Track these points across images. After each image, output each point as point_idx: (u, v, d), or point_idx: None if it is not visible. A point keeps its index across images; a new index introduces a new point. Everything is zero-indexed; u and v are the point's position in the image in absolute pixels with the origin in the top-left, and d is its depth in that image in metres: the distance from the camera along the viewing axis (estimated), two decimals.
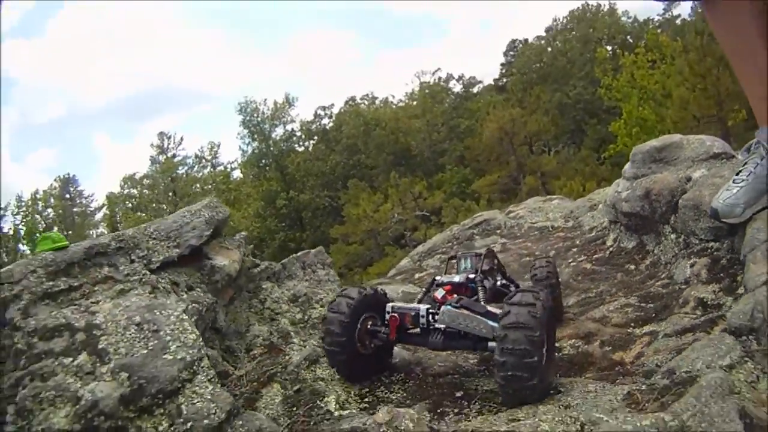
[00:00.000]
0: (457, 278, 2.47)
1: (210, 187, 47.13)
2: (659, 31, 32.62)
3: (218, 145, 50.38)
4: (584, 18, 48.94)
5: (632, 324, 2.71)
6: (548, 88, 44.16)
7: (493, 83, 53.68)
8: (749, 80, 2.36)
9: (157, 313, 2.09)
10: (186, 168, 47.62)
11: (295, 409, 2.00)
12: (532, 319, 1.78)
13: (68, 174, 47.54)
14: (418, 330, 2.20)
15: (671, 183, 3.53)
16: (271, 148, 47.22)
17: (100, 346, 1.88)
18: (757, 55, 2.22)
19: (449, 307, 2.08)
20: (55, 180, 46.76)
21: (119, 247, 2.59)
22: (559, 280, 3.08)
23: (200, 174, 48.83)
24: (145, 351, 1.88)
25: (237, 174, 50.75)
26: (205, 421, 1.72)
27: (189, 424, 1.70)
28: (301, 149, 48.90)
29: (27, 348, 1.85)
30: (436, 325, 2.12)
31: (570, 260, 4.37)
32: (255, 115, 47.05)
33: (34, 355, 1.83)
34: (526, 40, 52.30)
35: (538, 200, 7.26)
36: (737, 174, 2.53)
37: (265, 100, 47.50)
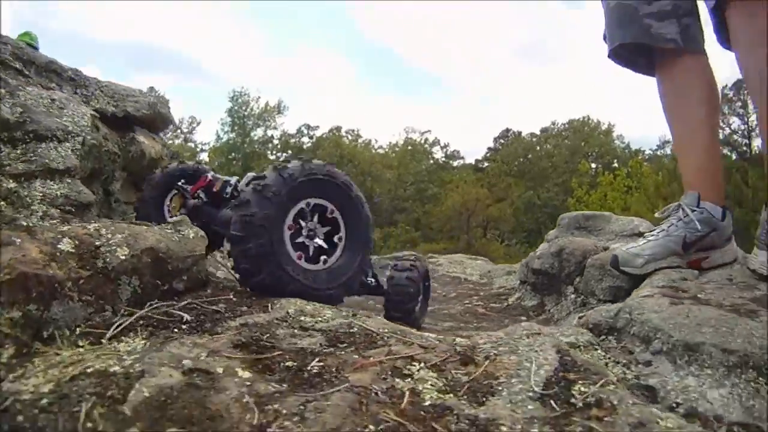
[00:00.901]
0: None
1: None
2: (645, 163, 34.06)
3: (198, 123, 49.98)
4: (581, 130, 50.90)
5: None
6: (523, 183, 45.41)
7: (473, 163, 54.94)
8: (688, 149, 2.43)
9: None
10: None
11: None
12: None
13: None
14: None
15: (586, 246, 3.70)
16: (245, 146, 47.09)
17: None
18: (702, 126, 2.35)
19: None
20: None
21: (72, 78, 2.71)
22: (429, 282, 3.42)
23: (170, 141, 48.17)
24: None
25: (204, 156, 50.32)
26: None
27: None
28: (272, 157, 48.88)
29: None
30: None
31: (466, 302, 4.64)
32: (244, 108, 47.02)
33: None
34: (519, 133, 53.96)
35: (463, 257, 7.61)
36: (650, 231, 2.53)
37: (258, 98, 47.68)
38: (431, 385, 1.31)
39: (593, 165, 44.41)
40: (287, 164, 2.04)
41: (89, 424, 0.97)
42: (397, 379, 1.31)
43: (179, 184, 2.76)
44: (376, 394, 1.22)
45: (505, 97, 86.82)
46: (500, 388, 1.30)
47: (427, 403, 1.21)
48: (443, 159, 54.96)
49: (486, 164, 52.89)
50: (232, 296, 1.88)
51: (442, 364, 1.43)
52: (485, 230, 40.20)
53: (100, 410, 1.00)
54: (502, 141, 54.35)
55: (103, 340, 1.43)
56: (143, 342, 1.44)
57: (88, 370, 1.16)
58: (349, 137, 52.71)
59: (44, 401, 1.03)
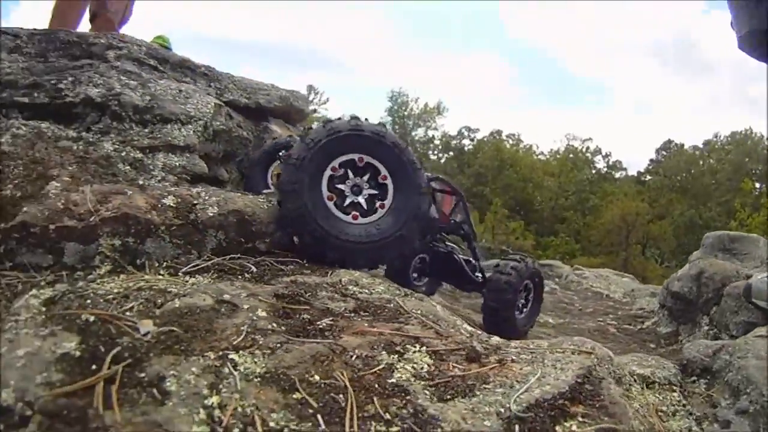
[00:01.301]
0: None
1: None
2: None
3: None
4: (743, 143, 45.95)
5: None
6: (685, 200, 41.93)
7: (636, 175, 51.81)
8: None
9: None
10: None
11: None
12: None
13: None
14: None
15: (727, 270, 3.39)
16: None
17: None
18: None
19: None
20: None
21: (205, 74, 3.26)
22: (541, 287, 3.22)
23: None
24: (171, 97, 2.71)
25: None
26: None
27: None
28: (433, 157, 49.62)
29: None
30: None
31: (600, 319, 4.52)
32: (403, 108, 48.21)
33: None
34: (681, 145, 49.90)
35: (610, 272, 7.41)
36: None
37: (417, 98, 48.58)
38: (411, 367, 1.38)
39: (757, 184, 39.88)
40: (310, 129, 2.20)
41: (127, 314, 1.36)
42: (384, 353, 1.43)
43: (280, 154, 3.10)
44: (351, 357, 1.38)
45: (660, 104, 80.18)
46: (479, 393, 1.29)
47: (390, 381, 1.30)
48: (605, 169, 52.37)
49: (648, 177, 49.63)
50: (305, 261, 2.18)
51: (446, 354, 1.48)
52: (644, 248, 37.69)
53: (140, 309, 1.39)
54: (664, 153, 50.59)
55: (180, 273, 1.84)
56: (209, 280, 1.83)
57: (153, 287, 1.58)
58: (510, 142, 52.07)
59: (110, 296, 1.45)
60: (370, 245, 2.13)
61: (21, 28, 2.98)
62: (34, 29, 3.00)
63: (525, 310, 3.03)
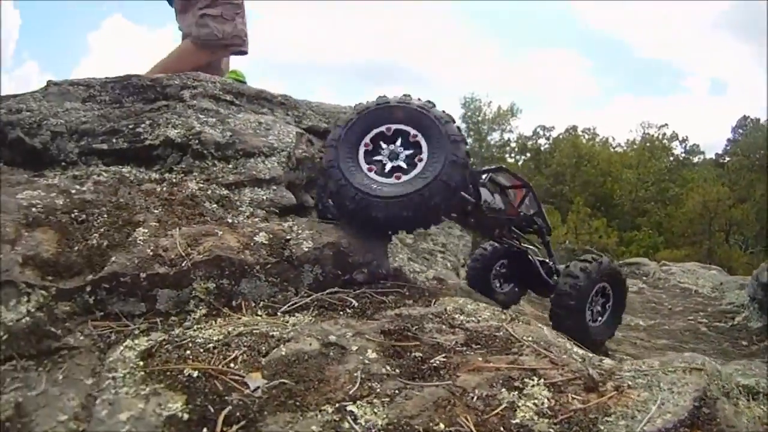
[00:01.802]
0: None
1: None
2: None
3: None
4: None
5: None
6: (766, 179, 39.18)
7: (714, 158, 49.27)
8: None
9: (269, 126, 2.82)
10: None
11: None
12: None
13: None
14: None
15: None
16: (483, 150, 48.05)
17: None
18: None
19: None
20: None
21: (282, 102, 3.22)
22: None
23: None
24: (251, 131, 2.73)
25: None
26: None
27: None
28: (511, 160, 49.07)
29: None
30: None
31: (690, 318, 4.59)
32: (477, 113, 48.06)
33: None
34: (757, 120, 46.75)
35: (697, 266, 7.57)
36: None
37: (490, 102, 48.33)
38: (533, 404, 1.32)
39: None
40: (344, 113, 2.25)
41: (232, 365, 1.26)
42: (503, 390, 1.37)
43: None
44: (472, 398, 1.30)
45: (734, 77, 75.69)
46: (602, 427, 1.26)
47: (514, 422, 1.25)
48: (683, 155, 50.12)
49: (727, 159, 46.91)
50: (405, 290, 2.10)
51: (563, 384, 1.43)
52: (727, 235, 35.56)
53: (244, 358, 1.28)
54: (740, 131, 47.62)
55: (278, 313, 1.77)
56: (310, 318, 1.73)
57: (254, 331, 1.49)
58: (586, 136, 50.76)
59: (210, 345, 1.35)
60: (413, 196, 2.13)
61: (93, 78, 3.03)
62: (107, 78, 3.05)
63: (600, 318, 2.78)
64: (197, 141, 2.54)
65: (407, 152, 2.26)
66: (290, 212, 2.53)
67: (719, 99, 77.66)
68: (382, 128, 2.27)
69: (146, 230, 1.90)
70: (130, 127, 2.61)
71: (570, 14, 78.63)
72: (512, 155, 50.20)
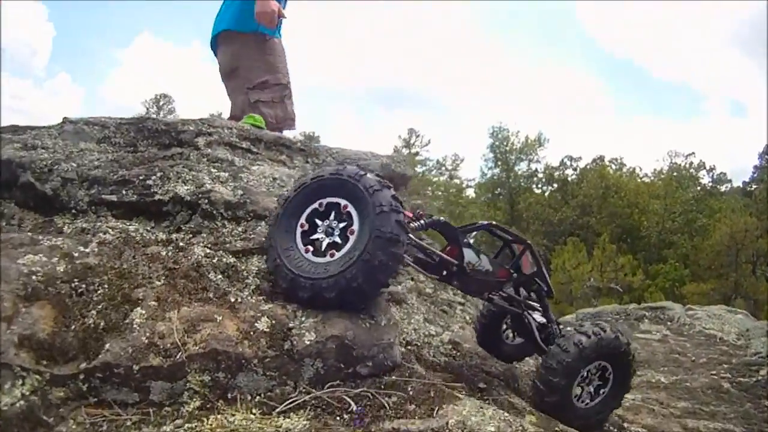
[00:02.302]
0: None
1: (440, 193, 49.74)
2: None
3: (462, 160, 52.56)
4: None
5: None
6: None
7: (741, 186, 48.68)
8: None
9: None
10: (424, 168, 50.42)
11: None
12: None
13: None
14: None
15: None
16: (510, 180, 48.04)
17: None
18: None
19: None
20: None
21: (301, 149, 3.20)
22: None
23: (435, 179, 51.41)
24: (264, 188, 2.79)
25: (470, 192, 52.67)
26: None
27: None
28: (537, 191, 48.96)
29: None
30: None
31: (713, 372, 4.58)
32: (505, 143, 48.25)
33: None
34: None
35: (723, 309, 7.57)
36: None
37: (518, 132, 48.52)
38: None
39: None
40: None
41: None
42: None
43: None
44: None
45: (753, 100, 74.97)
46: None
47: None
48: (710, 184, 49.68)
49: (754, 186, 46.35)
50: (409, 388, 2.05)
51: None
52: (754, 267, 34.97)
53: None
54: (767, 157, 47.00)
55: (273, 413, 1.75)
56: (305, 422, 1.70)
57: None
58: (613, 167, 50.61)
59: None
60: (338, 278, 2.04)
61: (108, 118, 3.04)
62: (122, 119, 3.06)
63: (590, 401, 2.49)
64: (207, 200, 2.54)
65: (342, 224, 2.19)
66: None
67: (740, 121, 76.99)
68: (315, 204, 2.23)
69: (144, 312, 1.88)
70: (141, 178, 2.60)
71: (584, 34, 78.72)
72: (539, 186, 50.16)
